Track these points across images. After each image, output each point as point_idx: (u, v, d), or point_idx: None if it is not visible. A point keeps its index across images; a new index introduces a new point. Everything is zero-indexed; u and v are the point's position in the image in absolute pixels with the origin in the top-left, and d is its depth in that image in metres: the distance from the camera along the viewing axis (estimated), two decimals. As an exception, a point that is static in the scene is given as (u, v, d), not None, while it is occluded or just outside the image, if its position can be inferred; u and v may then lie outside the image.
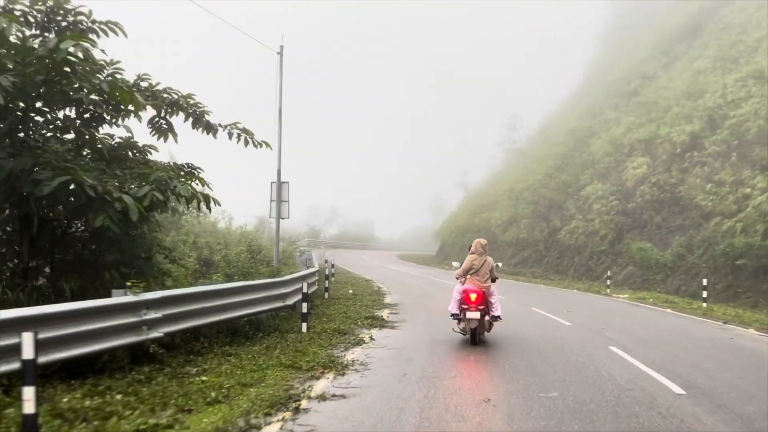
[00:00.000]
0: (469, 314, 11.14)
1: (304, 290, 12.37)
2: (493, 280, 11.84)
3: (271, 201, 19.75)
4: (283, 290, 12.55)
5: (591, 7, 67.01)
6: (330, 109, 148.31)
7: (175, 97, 13.10)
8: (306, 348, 10.31)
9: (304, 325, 12.16)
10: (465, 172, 74.12)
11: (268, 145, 14.14)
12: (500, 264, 13.02)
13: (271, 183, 19.92)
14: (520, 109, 67.75)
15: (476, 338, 11.31)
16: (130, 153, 13.37)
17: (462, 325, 11.64)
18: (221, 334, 10.71)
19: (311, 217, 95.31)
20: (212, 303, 9.77)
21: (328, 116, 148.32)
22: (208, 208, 11.34)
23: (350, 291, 21.62)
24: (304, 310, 12.22)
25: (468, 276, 11.70)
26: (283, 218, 20.10)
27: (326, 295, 19.30)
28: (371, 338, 11.91)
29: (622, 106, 40.27)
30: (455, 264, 12.88)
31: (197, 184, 11.30)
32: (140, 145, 13.31)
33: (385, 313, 15.99)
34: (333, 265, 27.39)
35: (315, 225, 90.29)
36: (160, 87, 13.05)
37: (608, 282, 25.95)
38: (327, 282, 19.88)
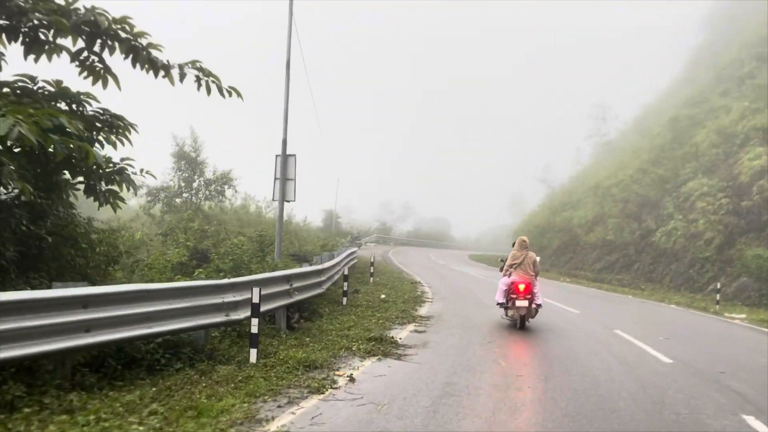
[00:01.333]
0: (519, 303, 12.30)
1: (255, 300, 8.17)
2: (536, 275, 12.83)
3: (275, 179, 15.58)
4: (230, 298, 8.44)
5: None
6: (406, 104, 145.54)
7: (103, 19, 9.40)
8: (216, 401, 6.13)
9: (254, 352, 8.04)
10: (547, 166, 68.35)
11: (239, 94, 10.43)
12: (539, 258, 13.35)
13: (276, 156, 15.69)
14: (610, 100, 61.16)
15: (524, 324, 12.46)
16: (63, 104, 10.09)
17: (511, 312, 12.80)
18: (89, 366, 6.66)
19: (384, 214, 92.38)
20: (51, 320, 5.72)
21: (403, 112, 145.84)
22: (88, 176, 7.51)
23: (382, 296, 17.33)
24: (255, 330, 8.08)
25: (513, 269, 12.79)
26: (288, 201, 15.95)
27: (344, 300, 15.11)
28: (350, 379, 7.63)
29: (734, 92, 35.01)
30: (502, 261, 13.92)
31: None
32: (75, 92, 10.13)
33: (405, 332, 11.71)
34: (372, 264, 23.25)
35: (387, 221, 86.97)
36: (80, 5, 9.43)
37: (717, 296, 20.49)
38: (345, 284, 15.50)
